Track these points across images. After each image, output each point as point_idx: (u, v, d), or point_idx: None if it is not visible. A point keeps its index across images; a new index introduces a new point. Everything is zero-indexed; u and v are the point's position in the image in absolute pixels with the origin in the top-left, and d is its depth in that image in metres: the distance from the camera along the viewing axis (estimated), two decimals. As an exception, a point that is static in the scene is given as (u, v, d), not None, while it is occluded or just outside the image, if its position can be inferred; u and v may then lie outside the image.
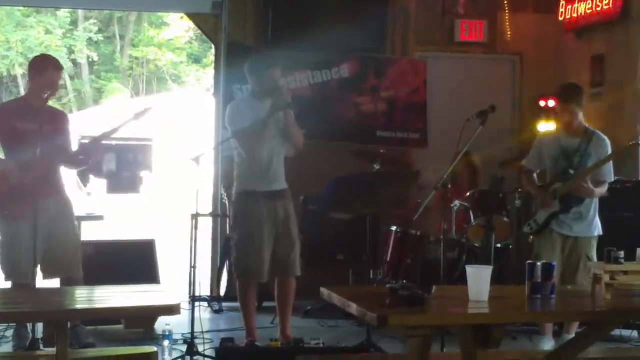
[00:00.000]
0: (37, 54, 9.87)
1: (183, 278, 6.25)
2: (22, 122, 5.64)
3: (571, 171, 5.91)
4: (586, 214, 5.97)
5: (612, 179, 6.03)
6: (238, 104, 6.04)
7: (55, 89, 5.86)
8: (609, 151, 5.96)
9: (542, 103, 8.33)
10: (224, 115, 6.04)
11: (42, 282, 5.78)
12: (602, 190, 5.97)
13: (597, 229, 6.01)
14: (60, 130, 5.78)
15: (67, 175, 6.10)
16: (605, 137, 6.00)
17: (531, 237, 6.16)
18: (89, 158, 5.88)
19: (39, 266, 5.65)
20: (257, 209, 5.74)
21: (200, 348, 5.66)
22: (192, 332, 5.58)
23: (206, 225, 7.90)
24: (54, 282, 5.90)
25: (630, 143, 6.23)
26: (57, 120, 5.85)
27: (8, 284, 5.73)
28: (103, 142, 5.81)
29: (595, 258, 5.79)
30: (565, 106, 5.95)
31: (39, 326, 5.59)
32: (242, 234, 5.81)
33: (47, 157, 5.57)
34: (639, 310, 4.29)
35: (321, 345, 5.70)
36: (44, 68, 5.80)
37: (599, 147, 5.95)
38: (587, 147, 5.93)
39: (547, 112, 8.28)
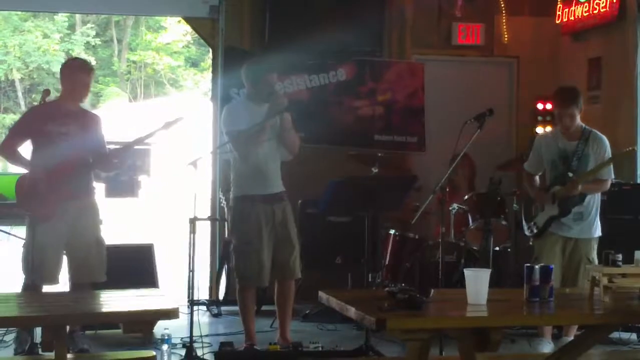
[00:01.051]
0: (35, 58, 9.88)
1: (182, 282, 6.25)
2: (51, 125, 5.70)
3: (570, 174, 5.90)
4: (587, 215, 5.96)
5: (613, 177, 6.01)
6: (234, 107, 6.04)
7: (83, 90, 5.86)
8: (608, 150, 5.95)
9: (539, 106, 8.35)
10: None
11: (49, 287, 5.79)
12: (604, 187, 5.97)
13: (598, 230, 6.00)
14: (90, 132, 5.83)
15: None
16: (603, 137, 5.98)
17: (531, 240, 6.16)
18: (122, 163, 6.05)
19: (66, 270, 5.69)
20: (255, 213, 5.74)
21: (199, 352, 5.65)
22: (191, 336, 5.57)
23: (205, 230, 7.90)
24: (56, 288, 5.89)
25: (627, 149, 6.22)
26: (88, 123, 5.90)
27: (20, 285, 5.75)
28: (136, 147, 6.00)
29: (596, 260, 5.78)
30: (564, 110, 5.92)
31: (38, 330, 5.60)
32: (241, 238, 5.80)
33: (74, 159, 5.63)
34: (637, 313, 4.29)
35: (320, 349, 5.71)
36: (73, 71, 5.88)
37: (597, 148, 5.94)
38: (585, 148, 5.93)
39: (544, 115, 8.30)
